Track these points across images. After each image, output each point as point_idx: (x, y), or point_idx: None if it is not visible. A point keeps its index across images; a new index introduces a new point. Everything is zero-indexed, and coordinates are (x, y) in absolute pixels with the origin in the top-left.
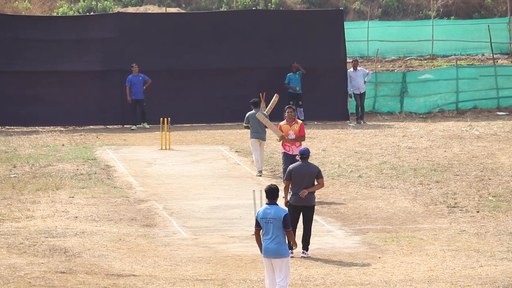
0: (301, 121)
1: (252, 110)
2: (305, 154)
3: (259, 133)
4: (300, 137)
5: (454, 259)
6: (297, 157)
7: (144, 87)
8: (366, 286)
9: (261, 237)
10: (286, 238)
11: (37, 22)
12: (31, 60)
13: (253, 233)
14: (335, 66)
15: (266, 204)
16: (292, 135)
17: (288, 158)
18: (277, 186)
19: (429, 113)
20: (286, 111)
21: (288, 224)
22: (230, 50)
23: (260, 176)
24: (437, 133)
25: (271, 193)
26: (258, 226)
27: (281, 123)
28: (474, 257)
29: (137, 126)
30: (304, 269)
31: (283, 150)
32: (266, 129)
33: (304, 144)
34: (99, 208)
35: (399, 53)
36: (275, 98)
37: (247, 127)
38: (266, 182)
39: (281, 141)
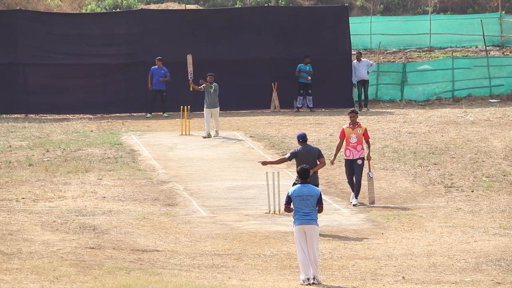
0: (365, 126)
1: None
2: (304, 137)
3: (210, 104)
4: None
5: (451, 234)
6: (358, 161)
7: (161, 79)
8: (370, 260)
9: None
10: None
11: (67, 19)
12: (62, 53)
13: (266, 211)
14: (341, 57)
15: (299, 183)
16: (354, 139)
17: (349, 164)
18: (308, 167)
19: (427, 101)
20: (349, 115)
21: (321, 200)
22: (244, 43)
23: (206, 137)
24: (435, 119)
25: (304, 173)
26: (288, 203)
27: (344, 126)
28: (469, 233)
29: (152, 114)
30: None
31: (345, 157)
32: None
33: (313, 130)
34: (125, 189)
35: (400, 45)
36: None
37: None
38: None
39: (344, 147)
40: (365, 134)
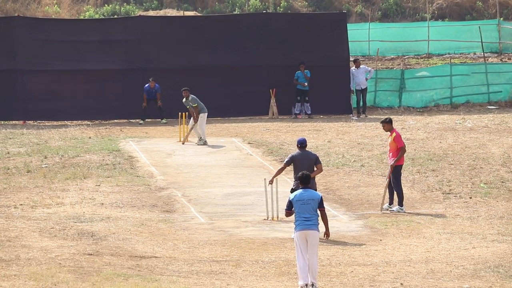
0: (395, 133)
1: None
2: (303, 143)
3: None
4: (400, 151)
5: (449, 241)
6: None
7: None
8: (369, 266)
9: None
10: (320, 219)
11: (66, 25)
12: (60, 60)
13: (265, 218)
14: (339, 64)
15: (300, 189)
16: (389, 147)
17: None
18: (309, 173)
19: (425, 107)
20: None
21: (323, 203)
22: (242, 50)
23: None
24: (433, 125)
25: (304, 179)
26: (289, 209)
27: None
28: (467, 240)
29: (144, 121)
30: None
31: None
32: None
33: (311, 136)
34: (123, 196)
35: (398, 52)
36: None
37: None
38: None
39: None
40: (396, 141)
